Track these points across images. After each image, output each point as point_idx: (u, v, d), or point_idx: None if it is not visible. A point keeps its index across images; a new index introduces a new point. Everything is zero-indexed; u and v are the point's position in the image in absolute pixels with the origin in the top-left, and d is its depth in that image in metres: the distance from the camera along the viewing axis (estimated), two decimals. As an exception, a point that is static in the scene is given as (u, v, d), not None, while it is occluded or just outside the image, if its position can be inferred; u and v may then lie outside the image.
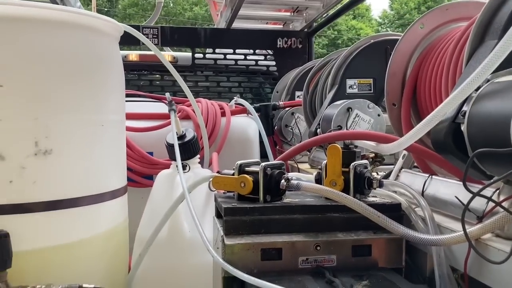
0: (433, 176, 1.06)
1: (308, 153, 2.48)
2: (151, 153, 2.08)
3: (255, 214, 0.99)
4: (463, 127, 0.76)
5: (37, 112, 1.26)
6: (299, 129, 2.41)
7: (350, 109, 1.48)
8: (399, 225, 0.88)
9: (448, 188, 0.99)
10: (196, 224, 1.10)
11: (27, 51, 1.25)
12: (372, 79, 1.74)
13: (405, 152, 1.23)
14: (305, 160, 2.44)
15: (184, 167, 1.55)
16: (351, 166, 1.08)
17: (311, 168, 2.24)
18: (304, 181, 1.02)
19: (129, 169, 2.01)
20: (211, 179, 1.11)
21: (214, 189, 1.12)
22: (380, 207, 0.97)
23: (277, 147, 2.59)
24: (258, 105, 2.52)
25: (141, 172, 2.04)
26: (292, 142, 2.46)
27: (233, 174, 1.09)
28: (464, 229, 0.71)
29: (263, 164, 1.04)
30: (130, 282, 1.44)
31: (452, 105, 0.75)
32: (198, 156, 1.67)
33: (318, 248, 1.00)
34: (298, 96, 2.62)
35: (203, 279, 1.32)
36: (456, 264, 0.86)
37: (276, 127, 2.58)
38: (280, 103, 2.54)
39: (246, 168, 1.07)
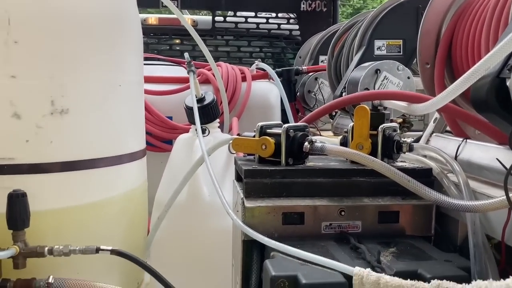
0: (468, 140, 1.00)
1: (331, 120, 2.42)
2: (170, 118, 2.05)
3: (276, 176, 0.95)
4: (509, 83, 0.69)
5: (52, 70, 1.23)
6: (322, 95, 2.34)
7: (378, 71, 1.40)
8: (432, 191, 0.83)
9: (484, 152, 0.93)
10: (216, 187, 1.06)
11: (43, 6, 1.21)
12: (401, 40, 1.65)
13: (437, 115, 1.17)
14: (328, 128, 2.38)
15: (203, 131, 1.52)
16: (379, 129, 1.02)
17: (334, 135, 2.19)
18: (329, 144, 0.97)
19: (148, 133, 1.98)
20: (231, 141, 1.07)
21: (234, 152, 1.08)
22: (410, 172, 0.91)
23: (299, 114, 2.54)
24: (280, 70, 2.45)
25: (160, 137, 2.02)
26: (314, 109, 2.39)
27: (254, 137, 1.04)
28: (507, 194, 0.65)
29: (285, 125, 0.99)
30: (148, 245, 1.43)
31: (497, 59, 0.68)
32: (218, 120, 1.63)
33: (343, 213, 0.95)
34: (322, 61, 2.54)
35: (222, 243, 1.30)
36: (492, 232, 0.81)
37: (298, 93, 2.51)
38: (303, 67, 2.46)
39: (268, 130, 1.03)
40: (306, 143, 0.97)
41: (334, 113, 2.35)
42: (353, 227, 0.97)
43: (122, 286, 1.27)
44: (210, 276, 1.37)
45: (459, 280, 0.72)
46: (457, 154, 0.99)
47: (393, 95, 1.01)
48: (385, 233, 0.97)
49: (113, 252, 1.21)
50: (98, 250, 1.21)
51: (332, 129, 2.24)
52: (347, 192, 0.97)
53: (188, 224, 1.39)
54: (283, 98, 2.17)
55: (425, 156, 1.11)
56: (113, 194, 1.40)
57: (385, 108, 1.06)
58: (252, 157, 1.07)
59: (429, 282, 0.72)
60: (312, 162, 1.06)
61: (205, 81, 2.08)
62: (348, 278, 0.72)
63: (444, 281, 0.63)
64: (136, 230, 1.51)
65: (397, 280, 0.67)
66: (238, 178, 1.08)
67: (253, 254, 0.97)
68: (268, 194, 0.94)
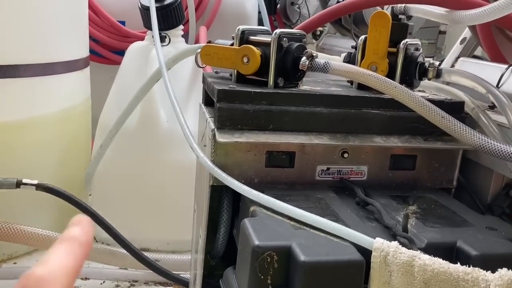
0: (516, 67, 0.78)
1: (315, 40, 2.16)
2: (123, 23, 1.74)
3: (262, 102, 0.72)
4: None
5: None
6: (308, 9, 2.06)
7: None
8: (477, 133, 0.62)
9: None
10: (176, 111, 0.82)
11: None
12: None
13: (466, 34, 0.94)
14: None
15: (162, 39, 1.24)
16: (401, 45, 0.79)
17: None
18: (336, 62, 0.73)
19: (94, 40, 1.69)
20: (199, 50, 0.81)
21: (203, 65, 0.83)
22: (437, 105, 0.69)
23: (277, 30, 2.25)
24: (259, -27, 2.11)
25: (110, 45, 1.71)
26: (297, 26, 2.11)
27: (232, 45, 0.79)
28: None
29: (278, 31, 0.74)
30: (89, 178, 1.20)
31: None
32: (182, 27, 1.35)
33: (346, 155, 0.75)
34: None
35: (181, 181, 1.09)
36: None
37: (279, 5, 2.21)
38: (287, -27, 2.15)
39: (252, 37, 0.78)
40: (304, 58, 0.73)
41: (318, 32, 2.09)
42: (356, 174, 0.76)
43: (54, 228, 1.05)
44: (164, 220, 1.17)
45: (516, 261, 0.53)
46: (499, 86, 0.78)
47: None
48: (395, 182, 0.78)
49: (39, 187, 0.97)
50: (19, 184, 0.97)
51: (316, 50, 1.99)
52: (354, 127, 0.76)
53: (139, 155, 1.16)
54: (261, 8, 1.88)
55: (447, 84, 0.90)
56: (44, 112, 1.14)
57: (410, 18, 0.83)
58: (227, 74, 0.83)
59: (476, 260, 0.53)
60: (307, 86, 0.82)
61: (168, -21, 1.74)
62: (364, 252, 0.52)
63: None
64: (74, 159, 1.27)
65: (441, 263, 0.48)
66: (208, 101, 0.85)
67: (223, 202, 0.76)
68: (248, 125, 0.71)
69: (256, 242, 0.53)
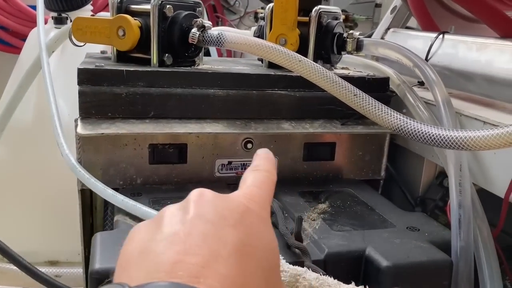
0: (447, 35, 0.68)
1: (256, 23, 2.04)
2: (34, 7, 1.57)
3: (138, 84, 0.59)
4: None
5: None
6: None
7: None
8: (396, 113, 0.51)
9: (479, 52, 0.62)
10: (49, 100, 0.68)
11: None
12: None
13: (397, 2, 0.84)
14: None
15: (62, 21, 1.10)
16: (313, 13, 0.68)
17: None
18: (231, 33, 0.61)
19: (2, 27, 1.53)
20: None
21: (81, 43, 0.70)
22: (357, 83, 0.58)
23: (217, 14, 2.11)
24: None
25: (20, 33, 1.54)
26: (236, 8, 1.99)
27: (113, 18, 0.66)
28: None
29: (159, -3, 0.61)
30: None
31: None
32: (91, 9, 1.20)
33: (249, 145, 0.63)
34: None
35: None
36: (485, 183, 0.52)
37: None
38: None
39: (132, 6, 0.65)
40: (194, 30, 0.60)
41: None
42: (265, 167, 0.64)
43: None
44: (72, 227, 1.02)
45: (438, 270, 0.43)
46: (429, 57, 0.68)
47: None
48: (312, 175, 0.67)
49: None
50: None
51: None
52: (258, 112, 0.64)
53: (38, 154, 1.01)
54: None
55: (377, 60, 0.80)
56: None
57: (325, -19, 0.72)
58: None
59: (386, 273, 0.42)
60: (208, 65, 0.70)
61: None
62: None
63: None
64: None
65: (330, 284, 0.36)
66: (90, 87, 0.71)
67: (106, 209, 0.63)
68: (121, 113, 0.59)
69: (96, 266, 0.40)
